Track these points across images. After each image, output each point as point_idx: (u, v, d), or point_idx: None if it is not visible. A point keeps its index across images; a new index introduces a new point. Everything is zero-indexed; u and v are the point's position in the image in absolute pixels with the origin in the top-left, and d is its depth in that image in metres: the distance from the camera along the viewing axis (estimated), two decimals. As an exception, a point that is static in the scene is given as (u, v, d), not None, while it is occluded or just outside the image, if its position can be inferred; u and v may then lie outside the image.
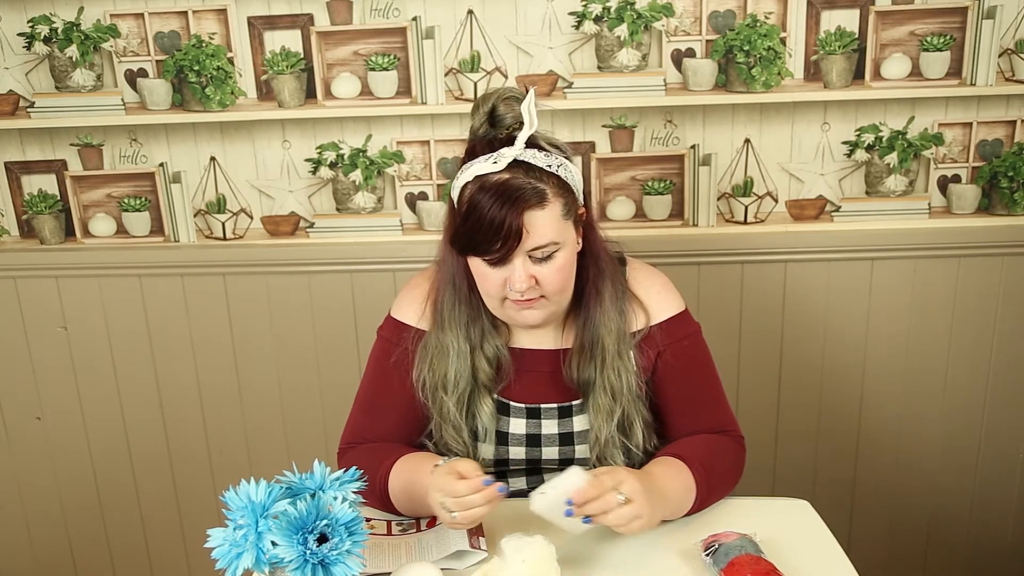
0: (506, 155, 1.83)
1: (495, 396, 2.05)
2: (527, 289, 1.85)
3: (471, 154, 1.89)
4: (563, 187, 1.87)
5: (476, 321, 2.01)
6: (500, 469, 2.10)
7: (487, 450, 2.07)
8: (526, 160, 1.84)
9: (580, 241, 1.95)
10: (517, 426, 2.05)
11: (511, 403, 2.05)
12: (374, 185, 2.92)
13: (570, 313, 2.04)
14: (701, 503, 1.92)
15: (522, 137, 1.85)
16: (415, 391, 2.05)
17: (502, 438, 2.06)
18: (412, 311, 2.09)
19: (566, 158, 1.90)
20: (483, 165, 1.84)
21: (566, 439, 2.06)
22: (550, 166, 1.85)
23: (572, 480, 1.73)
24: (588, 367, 2.00)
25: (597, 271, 2.00)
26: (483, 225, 1.79)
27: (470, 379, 2.02)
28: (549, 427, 2.05)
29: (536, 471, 2.11)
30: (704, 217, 2.91)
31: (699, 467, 1.92)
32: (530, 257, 1.85)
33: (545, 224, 1.83)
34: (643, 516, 1.75)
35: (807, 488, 3.10)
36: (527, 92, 1.88)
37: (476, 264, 1.89)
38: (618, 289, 2.02)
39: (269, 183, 2.94)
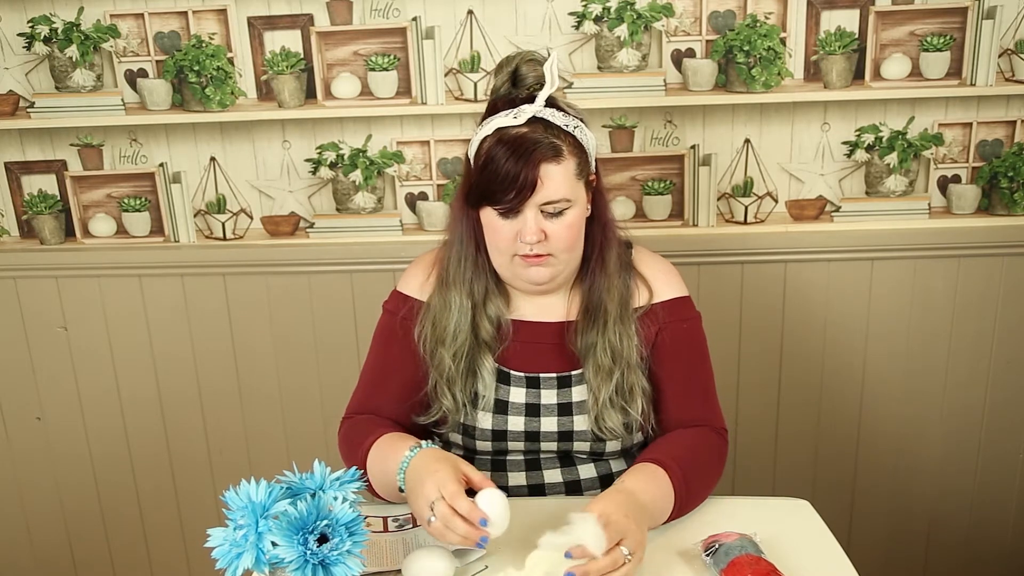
0: (526, 111, 1.90)
1: (495, 363, 2.07)
2: (537, 243, 1.90)
3: (491, 110, 1.96)
4: (578, 147, 1.93)
5: (480, 279, 2.05)
6: (499, 446, 2.11)
7: (486, 419, 2.08)
8: (545, 117, 1.91)
9: (589, 207, 2.00)
10: (517, 395, 2.08)
11: (511, 372, 2.08)
12: (374, 185, 2.92)
13: (575, 285, 2.09)
14: (680, 510, 1.91)
15: (543, 95, 1.92)
16: (417, 348, 2.08)
17: (501, 407, 2.08)
18: (417, 283, 2.14)
19: (582, 122, 1.96)
20: (503, 119, 1.91)
21: (565, 409, 2.07)
22: (567, 125, 1.92)
23: (588, 532, 1.66)
24: (591, 332, 2.03)
25: (604, 239, 2.05)
26: (500, 174, 1.85)
27: (470, 334, 2.05)
28: (548, 397, 2.08)
29: (535, 464, 2.12)
30: (704, 217, 2.91)
31: (677, 470, 1.91)
32: (542, 212, 1.89)
33: (559, 179, 1.88)
34: (640, 549, 1.72)
35: (807, 488, 3.10)
36: (549, 54, 1.94)
37: (488, 217, 1.94)
38: (623, 261, 2.09)
39: (269, 183, 2.95)
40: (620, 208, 2.89)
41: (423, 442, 1.87)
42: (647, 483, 1.88)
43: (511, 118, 1.90)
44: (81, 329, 3.10)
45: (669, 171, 2.88)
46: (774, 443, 3.09)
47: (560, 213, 1.90)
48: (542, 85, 1.93)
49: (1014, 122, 2.82)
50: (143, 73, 2.87)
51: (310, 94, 2.86)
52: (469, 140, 2.78)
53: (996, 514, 3.16)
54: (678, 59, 2.78)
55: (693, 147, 2.86)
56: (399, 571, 1.75)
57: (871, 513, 3.15)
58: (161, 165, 2.97)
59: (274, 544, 1.48)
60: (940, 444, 3.09)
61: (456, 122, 2.87)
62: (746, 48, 2.75)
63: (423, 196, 2.94)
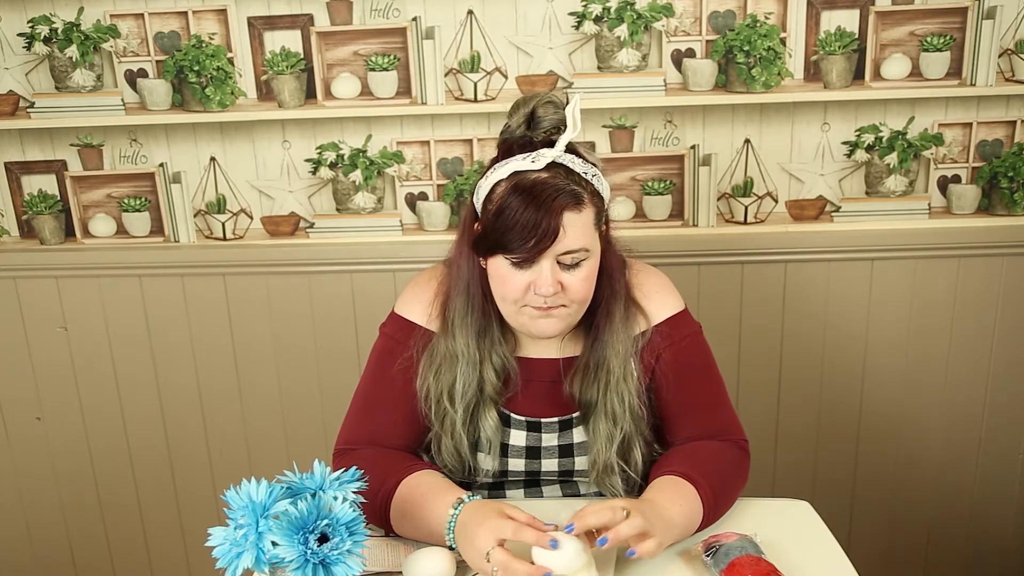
0: (545, 155, 1.81)
1: (501, 408, 2.01)
2: (552, 295, 1.81)
3: (506, 152, 1.87)
4: (596, 196, 1.85)
5: (487, 331, 1.97)
6: (499, 480, 2.09)
7: (489, 462, 2.03)
8: (565, 163, 1.82)
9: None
10: (517, 438, 2.03)
11: (512, 415, 2.02)
12: (374, 185, 2.93)
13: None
14: (707, 522, 1.88)
15: (564, 139, 1.83)
16: (417, 400, 2.01)
17: (502, 449, 2.04)
18: (419, 309, 2.04)
19: (599, 170, 1.88)
20: (520, 163, 1.81)
21: (566, 451, 2.04)
22: (586, 173, 1.83)
23: (568, 550, 1.64)
24: (591, 388, 1.96)
25: (611, 291, 1.96)
26: (519, 222, 1.75)
27: (476, 391, 1.97)
28: (549, 440, 2.03)
29: (535, 483, 2.11)
30: (704, 217, 2.91)
31: (705, 486, 1.87)
32: (558, 262, 1.81)
33: (580, 228, 1.79)
34: (654, 530, 1.70)
35: (807, 488, 3.11)
36: (568, 99, 1.86)
37: (498, 266, 1.84)
38: (630, 311, 1.99)
39: (269, 183, 2.95)
40: (620, 208, 2.90)
41: (465, 496, 1.81)
42: (674, 496, 1.85)
43: (529, 162, 1.80)
44: (81, 329, 3.11)
45: (669, 171, 2.88)
46: (774, 443, 3.09)
47: (577, 264, 1.82)
48: (559, 129, 1.85)
49: (1014, 122, 2.83)
50: (143, 73, 2.88)
51: (310, 94, 2.86)
52: (469, 141, 2.80)
53: (997, 514, 3.17)
54: (678, 59, 2.79)
55: (693, 147, 2.87)
56: (400, 572, 1.76)
57: (871, 513, 3.16)
58: (161, 165, 2.97)
59: (274, 544, 1.48)
60: (940, 444, 3.10)
61: (456, 122, 2.87)
62: (746, 48, 2.75)
63: (423, 196, 2.94)
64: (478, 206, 1.90)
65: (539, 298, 1.82)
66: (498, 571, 1.64)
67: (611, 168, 2.85)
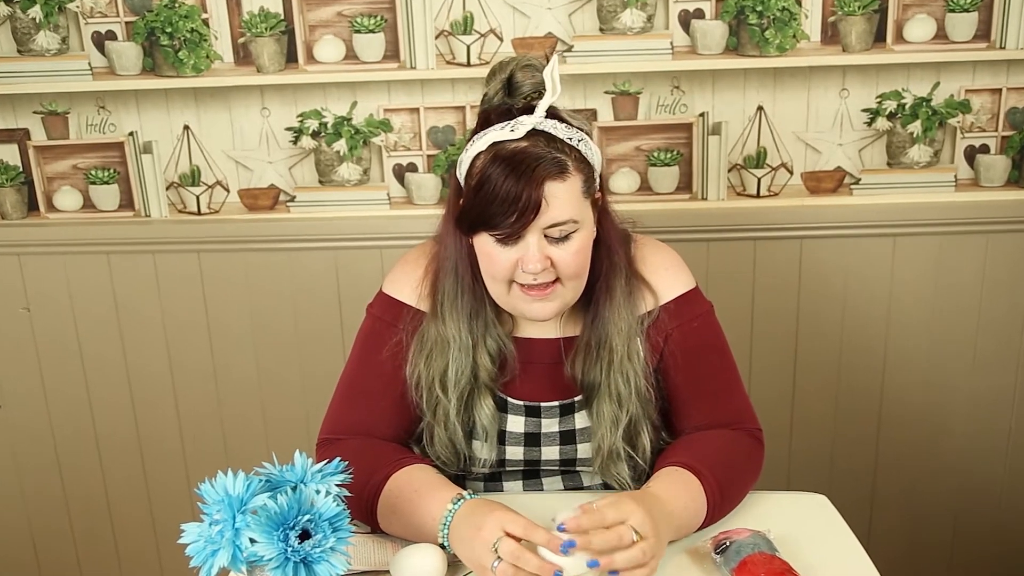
0: (525, 123, 1.80)
1: (497, 393, 2.01)
2: (541, 272, 1.80)
3: (484, 123, 1.86)
4: (583, 163, 1.83)
5: (480, 313, 1.96)
6: (496, 471, 2.09)
7: (486, 451, 2.02)
8: (546, 130, 1.81)
9: (595, 228, 1.90)
10: (515, 424, 2.02)
11: (509, 400, 2.02)
12: (359, 156, 2.92)
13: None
14: (711, 518, 1.87)
15: (543, 104, 1.82)
16: (408, 387, 2.00)
17: (499, 437, 2.03)
18: (409, 288, 2.04)
19: (586, 134, 1.87)
20: (499, 133, 1.81)
21: (567, 437, 2.03)
22: (571, 139, 1.82)
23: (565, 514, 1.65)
24: (593, 368, 1.96)
25: (610, 264, 1.95)
26: (498, 195, 1.74)
27: (470, 377, 1.97)
28: (549, 425, 2.02)
29: (535, 474, 2.10)
30: (714, 190, 2.91)
31: (711, 478, 1.86)
32: (545, 236, 1.80)
33: (565, 198, 1.78)
34: (654, 557, 1.67)
35: (824, 481, 3.10)
36: (547, 60, 1.84)
37: (484, 243, 1.84)
38: (631, 284, 1.98)
39: (247, 154, 2.94)
40: (624, 181, 2.89)
41: (466, 492, 1.80)
42: (677, 490, 1.83)
43: (508, 131, 1.80)
44: (45, 310, 3.10)
45: (676, 141, 2.88)
46: (789, 432, 3.09)
47: (566, 237, 1.81)
48: (540, 93, 1.84)
49: (1047, 88, 2.82)
50: (111, 35, 2.86)
51: (291, 58, 2.85)
52: (462, 108, 2.80)
53: (1027, 505, 3.17)
54: (686, 20, 2.77)
55: (702, 115, 2.86)
56: (387, 572, 1.76)
57: (892, 506, 3.16)
58: (131, 134, 2.96)
59: (252, 541, 1.48)
60: (967, 432, 3.09)
61: (448, 88, 2.86)
62: (759, 8, 2.74)
63: (412, 167, 2.93)
64: (461, 181, 1.89)
65: (528, 276, 1.81)
66: (504, 563, 1.62)
67: (614, 137, 2.85)
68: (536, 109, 1.82)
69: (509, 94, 1.88)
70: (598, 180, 1.90)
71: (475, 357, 1.97)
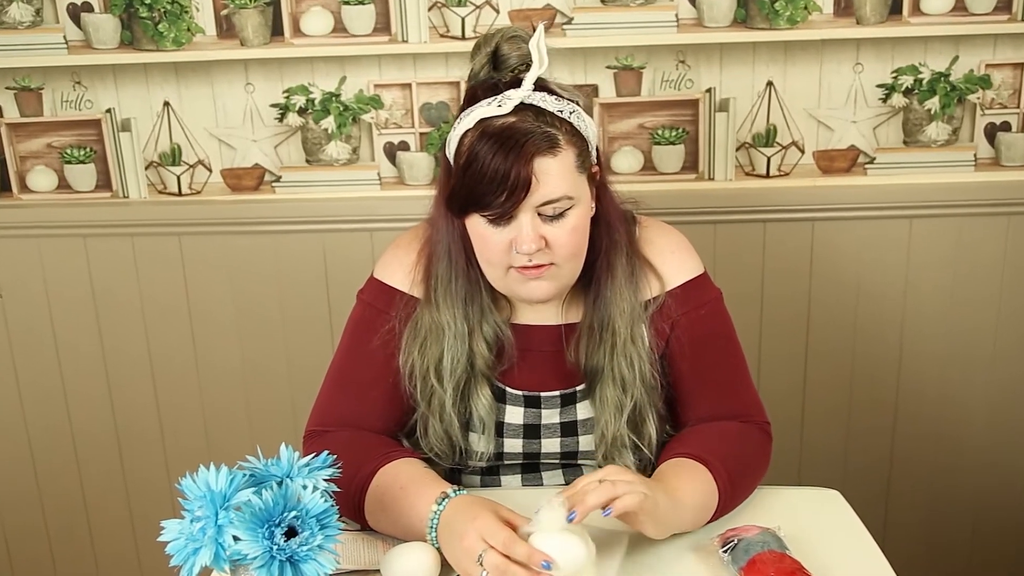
0: (512, 97, 1.79)
1: (495, 382, 2.00)
2: (536, 252, 1.79)
3: (471, 99, 1.85)
4: (576, 136, 1.82)
5: (475, 298, 1.96)
6: (493, 464, 2.08)
7: (483, 444, 2.02)
8: (535, 103, 1.80)
9: (593, 204, 1.90)
10: (514, 415, 2.02)
11: (508, 389, 2.01)
12: (348, 134, 2.91)
13: (574, 285, 1.98)
14: (722, 511, 1.86)
15: (530, 77, 1.81)
16: (401, 378, 1.99)
17: (497, 428, 2.02)
18: (401, 273, 2.03)
19: (579, 106, 1.86)
20: (486, 109, 1.80)
21: (568, 429, 2.02)
22: (561, 111, 1.81)
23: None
24: (596, 352, 1.95)
25: (610, 242, 1.94)
26: (486, 174, 1.74)
27: (466, 366, 1.96)
28: (550, 416, 2.02)
29: (534, 467, 2.09)
30: (721, 170, 2.90)
31: (722, 470, 1.85)
32: (539, 214, 1.79)
33: (557, 174, 1.77)
34: (647, 495, 1.66)
35: (837, 476, 3.10)
36: (534, 30, 1.83)
37: (476, 225, 1.83)
38: (633, 263, 1.98)
39: (230, 131, 2.93)
40: (626, 160, 2.88)
41: (450, 489, 1.78)
42: (688, 481, 1.82)
43: (495, 107, 1.79)
44: (18, 296, 3.09)
45: (682, 118, 2.87)
46: (800, 425, 3.08)
47: (561, 215, 1.80)
48: (528, 65, 1.82)
49: (1071, 62, 2.81)
50: (87, 7, 2.84)
51: (276, 31, 2.83)
52: (456, 84, 2.79)
53: (1051, 500, 3.16)
54: (692, -10, 2.77)
55: (709, 91, 2.84)
56: (378, 571, 1.75)
57: (909, 503, 3.15)
58: (108, 111, 2.95)
59: (236, 538, 1.47)
60: (987, 424, 3.08)
61: (441, 62, 2.84)
62: (770, -22, 2.74)
63: (404, 146, 2.92)
64: (451, 161, 1.88)
65: (523, 257, 1.81)
66: (487, 570, 1.60)
67: (616, 115, 2.84)
68: (523, 82, 1.81)
69: (495, 68, 1.87)
70: (594, 153, 1.89)
71: (471, 345, 1.96)
